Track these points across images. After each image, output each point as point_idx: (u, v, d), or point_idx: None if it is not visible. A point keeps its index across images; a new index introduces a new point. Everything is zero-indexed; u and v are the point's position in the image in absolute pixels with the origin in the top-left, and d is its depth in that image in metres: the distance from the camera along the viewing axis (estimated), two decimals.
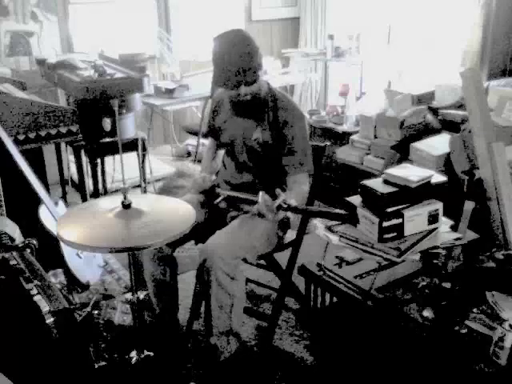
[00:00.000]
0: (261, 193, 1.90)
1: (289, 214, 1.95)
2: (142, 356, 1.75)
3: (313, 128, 4.17)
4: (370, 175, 3.21)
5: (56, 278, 2.33)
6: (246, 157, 2.17)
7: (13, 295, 1.56)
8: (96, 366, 1.90)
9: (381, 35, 4.81)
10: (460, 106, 3.44)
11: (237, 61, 1.93)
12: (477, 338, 1.76)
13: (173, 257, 2.17)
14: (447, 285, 1.95)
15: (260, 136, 2.11)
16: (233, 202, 2.19)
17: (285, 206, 1.85)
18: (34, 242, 1.78)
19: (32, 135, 2.70)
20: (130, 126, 3.26)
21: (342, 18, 5.27)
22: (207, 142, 2.48)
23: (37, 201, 2.54)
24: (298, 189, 2.08)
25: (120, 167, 1.82)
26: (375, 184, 1.99)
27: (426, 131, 3.50)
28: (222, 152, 2.35)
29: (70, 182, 3.89)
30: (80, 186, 3.36)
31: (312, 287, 2.32)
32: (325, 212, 2.01)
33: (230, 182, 2.24)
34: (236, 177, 2.22)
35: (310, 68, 5.44)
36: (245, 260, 2.08)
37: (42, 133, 2.73)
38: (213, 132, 2.34)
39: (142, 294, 1.73)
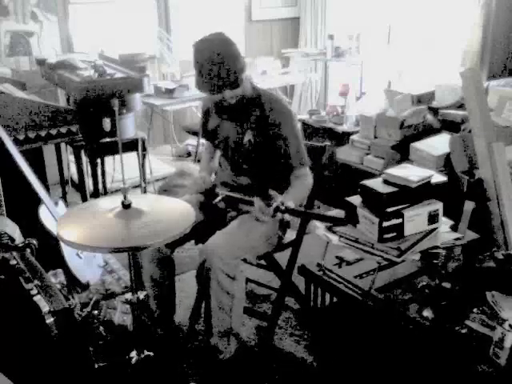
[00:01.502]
0: (255, 199, 1.90)
1: (286, 216, 1.96)
2: (142, 356, 1.75)
3: (313, 128, 4.17)
4: (370, 175, 3.20)
5: (56, 278, 2.32)
6: (241, 159, 2.17)
7: (13, 295, 1.56)
8: (96, 366, 1.90)
9: (381, 35, 4.81)
10: (460, 106, 3.44)
11: (218, 65, 1.89)
12: (477, 338, 1.76)
13: (171, 258, 2.17)
14: (447, 285, 1.95)
15: (251, 138, 2.10)
16: (231, 203, 2.19)
17: (282, 207, 1.85)
18: (34, 242, 1.77)
19: (32, 135, 2.70)
20: (129, 126, 3.26)
21: (342, 17, 5.27)
22: (205, 142, 2.47)
23: (37, 201, 2.54)
24: (301, 183, 2.09)
25: (120, 167, 1.81)
26: (375, 184, 1.99)
27: (425, 131, 3.50)
28: (219, 152, 2.34)
29: (69, 182, 3.89)
30: (80, 186, 3.36)
31: (312, 287, 2.32)
32: (322, 215, 2.02)
33: (227, 183, 2.24)
34: (233, 179, 2.22)
35: (310, 68, 5.44)
36: (245, 260, 2.08)
37: (42, 133, 2.73)
38: (207, 136, 2.33)
39: (141, 294, 1.73)
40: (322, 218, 2.02)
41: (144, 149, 3.35)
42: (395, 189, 1.94)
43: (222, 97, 2.00)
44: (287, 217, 1.97)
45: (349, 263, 2.29)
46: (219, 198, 2.09)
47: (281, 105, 2.11)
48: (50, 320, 1.45)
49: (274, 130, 2.06)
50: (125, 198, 1.54)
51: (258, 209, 1.89)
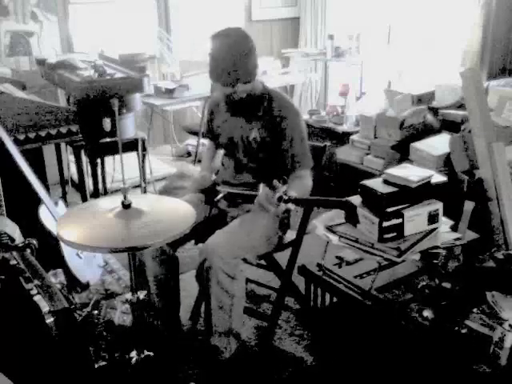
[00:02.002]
0: (261, 185, 1.89)
1: (290, 205, 1.95)
2: (142, 356, 1.76)
3: (313, 128, 4.17)
4: (370, 175, 3.20)
5: (56, 278, 2.33)
6: (245, 157, 2.17)
7: (13, 295, 1.56)
8: (96, 366, 1.90)
9: (381, 35, 4.81)
10: (460, 106, 3.44)
11: (234, 58, 1.94)
12: (477, 338, 1.76)
13: (175, 256, 2.17)
14: (447, 285, 1.95)
15: (257, 135, 2.11)
16: (233, 200, 2.19)
17: (286, 197, 1.84)
18: (34, 241, 1.77)
19: (32, 135, 2.69)
20: (129, 126, 3.26)
21: (342, 17, 5.27)
22: (207, 141, 2.48)
23: (37, 201, 2.54)
24: (301, 183, 2.10)
25: (120, 167, 1.82)
26: (375, 184, 1.99)
27: (426, 131, 3.50)
28: (221, 151, 2.35)
29: (69, 182, 3.89)
30: (80, 186, 3.36)
31: (312, 287, 2.32)
32: (325, 200, 2.01)
33: (229, 182, 2.24)
34: (235, 177, 2.22)
35: (310, 68, 5.44)
36: (245, 260, 2.08)
37: (42, 133, 2.73)
38: (211, 134, 2.34)
39: (141, 294, 1.73)
40: (326, 204, 2.02)
41: (144, 149, 3.35)
42: (395, 189, 1.94)
43: (233, 90, 2.02)
44: (290, 206, 1.96)
45: (349, 263, 2.29)
46: (221, 195, 2.09)
47: (289, 105, 2.12)
48: (49, 320, 1.45)
49: (281, 128, 2.07)
50: (125, 198, 1.54)
51: (264, 195, 1.87)
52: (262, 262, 2.29)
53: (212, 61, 2.00)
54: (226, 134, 2.21)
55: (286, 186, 1.92)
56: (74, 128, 2.83)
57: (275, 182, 1.87)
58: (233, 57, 1.95)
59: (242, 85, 2.01)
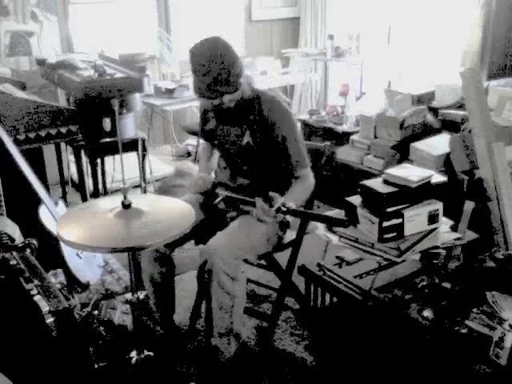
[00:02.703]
0: (257, 199, 1.89)
1: (288, 217, 1.95)
2: (142, 356, 1.75)
3: (313, 128, 4.17)
4: (370, 175, 3.20)
5: (56, 278, 2.32)
6: (240, 160, 2.16)
7: (13, 295, 1.56)
8: (96, 366, 1.90)
9: (381, 35, 4.81)
10: (460, 106, 3.44)
11: (217, 71, 1.88)
12: (477, 338, 1.76)
13: (170, 258, 2.17)
14: (447, 285, 1.95)
15: (250, 140, 2.08)
16: (232, 203, 2.19)
17: (284, 209, 1.84)
18: (34, 241, 1.77)
19: (32, 135, 2.69)
20: (129, 126, 3.26)
21: (342, 17, 5.27)
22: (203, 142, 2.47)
23: (37, 201, 2.54)
24: (302, 185, 2.09)
25: (120, 167, 1.81)
26: (375, 184, 1.99)
27: (425, 131, 3.50)
28: (218, 152, 2.34)
29: (70, 182, 3.89)
30: (80, 186, 3.36)
31: (312, 287, 2.32)
32: (324, 216, 2.01)
33: (226, 184, 2.23)
34: (231, 179, 2.21)
35: (310, 68, 5.45)
36: (245, 260, 2.07)
37: (42, 133, 2.73)
38: (205, 136, 2.32)
39: (141, 294, 1.73)
40: (324, 220, 2.02)
41: (144, 149, 3.35)
42: (395, 189, 1.94)
43: (221, 102, 1.98)
44: (288, 218, 1.96)
45: (349, 263, 2.30)
46: (219, 198, 2.09)
47: (279, 105, 2.08)
48: (49, 320, 1.45)
49: (273, 130, 2.05)
50: (125, 197, 1.54)
51: (260, 209, 1.88)
52: (262, 262, 2.29)
53: (195, 76, 1.95)
54: (219, 137, 2.19)
55: (283, 197, 1.92)
56: (74, 128, 2.83)
57: (271, 193, 1.87)
58: (216, 70, 1.88)
59: (228, 95, 1.95)
